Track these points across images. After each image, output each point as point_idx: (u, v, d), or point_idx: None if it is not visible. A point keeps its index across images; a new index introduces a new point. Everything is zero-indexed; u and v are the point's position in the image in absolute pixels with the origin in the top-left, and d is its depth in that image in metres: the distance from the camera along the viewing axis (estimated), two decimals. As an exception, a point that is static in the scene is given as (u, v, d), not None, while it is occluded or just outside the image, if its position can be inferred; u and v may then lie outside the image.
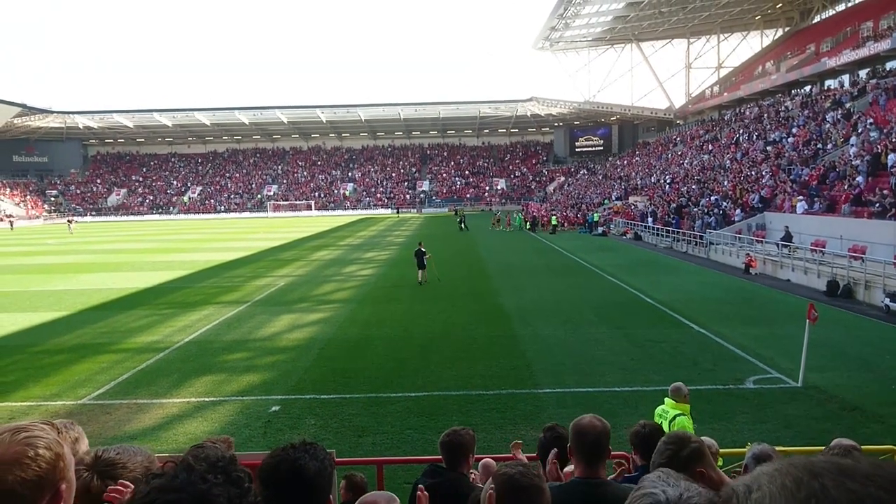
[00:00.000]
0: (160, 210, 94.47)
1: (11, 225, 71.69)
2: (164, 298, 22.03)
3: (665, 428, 6.61)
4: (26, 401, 11.43)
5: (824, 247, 23.88)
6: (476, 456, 4.07)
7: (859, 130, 32.77)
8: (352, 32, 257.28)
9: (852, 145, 31.50)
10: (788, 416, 9.86)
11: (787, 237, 26.21)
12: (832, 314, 17.37)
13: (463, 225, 53.76)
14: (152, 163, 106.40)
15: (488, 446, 8.29)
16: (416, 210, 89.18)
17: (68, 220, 64.87)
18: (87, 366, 13.60)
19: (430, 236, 44.64)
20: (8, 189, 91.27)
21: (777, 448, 4.34)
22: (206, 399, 11.36)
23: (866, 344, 14.60)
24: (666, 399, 6.93)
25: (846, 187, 27.61)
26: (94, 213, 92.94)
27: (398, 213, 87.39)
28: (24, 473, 1.30)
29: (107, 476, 2.05)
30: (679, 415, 6.67)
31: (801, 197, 29.55)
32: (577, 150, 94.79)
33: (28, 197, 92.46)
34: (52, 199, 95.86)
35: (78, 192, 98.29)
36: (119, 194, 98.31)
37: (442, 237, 45.10)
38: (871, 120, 33.03)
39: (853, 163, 29.18)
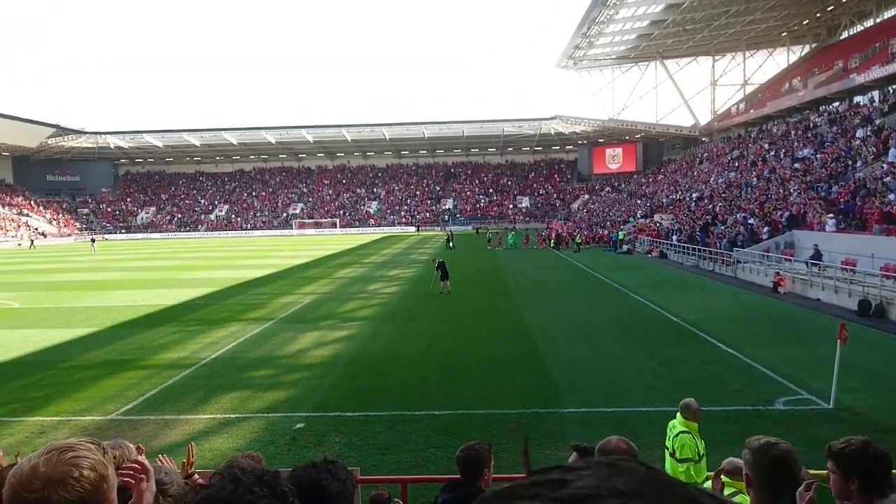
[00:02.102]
0: (188, 228, 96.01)
1: (32, 243, 72.29)
2: (190, 315, 22.32)
3: (668, 444, 6.60)
4: (57, 415, 11.62)
5: (855, 265, 23.41)
6: (494, 476, 4.04)
7: (890, 147, 32.19)
8: (374, 38, 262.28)
9: (884, 162, 30.94)
10: (820, 439, 9.57)
11: (817, 255, 25.74)
12: (864, 334, 16.97)
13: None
14: (180, 181, 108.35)
15: (512, 466, 8.23)
16: (440, 228, 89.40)
17: (91, 239, 65.58)
18: (116, 381, 13.79)
19: (449, 255, 44.70)
20: (42, 207, 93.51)
21: (809, 471, 4.25)
22: (232, 415, 11.44)
23: (901, 365, 14.23)
24: (677, 414, 6.83)
25: (877, 205, 27.11)
26: (124, 230, 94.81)
27: (419, 230, 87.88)
28: (67, 493, 1.34)
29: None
30: (683, 432, 6.56)
31: (830, 215, 29.07)
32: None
33: (61, 215, 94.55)
34: (84, 217, 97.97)
35: (109, 210, 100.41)
36: (148, 212, 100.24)
37: (463, 255, 45.08)
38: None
39: (885, 180, 28.66)
